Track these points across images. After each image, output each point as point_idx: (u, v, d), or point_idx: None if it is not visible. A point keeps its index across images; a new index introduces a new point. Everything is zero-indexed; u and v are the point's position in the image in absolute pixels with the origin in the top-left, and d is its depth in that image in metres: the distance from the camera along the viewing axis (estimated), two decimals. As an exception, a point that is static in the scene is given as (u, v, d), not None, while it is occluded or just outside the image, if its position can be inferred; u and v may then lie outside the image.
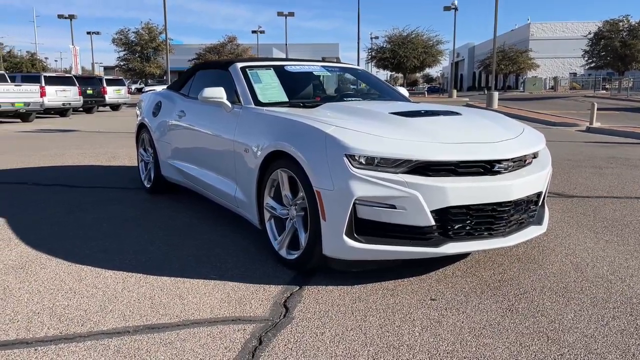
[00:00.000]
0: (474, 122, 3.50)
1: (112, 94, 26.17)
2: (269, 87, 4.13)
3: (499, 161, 3.01)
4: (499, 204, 2.99)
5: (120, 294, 2.87)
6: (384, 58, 48.42)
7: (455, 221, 2.94)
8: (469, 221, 2.97)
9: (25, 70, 52.22)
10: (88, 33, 61.40)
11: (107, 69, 72.42)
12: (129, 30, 33.03)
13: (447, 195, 2.84)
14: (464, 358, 2.23)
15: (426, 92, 59.29)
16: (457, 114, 3.69)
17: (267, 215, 3.45)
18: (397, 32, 48.63)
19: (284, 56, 65.55)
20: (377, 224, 2.90)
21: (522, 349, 2.30)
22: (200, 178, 4.39)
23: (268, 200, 3.41)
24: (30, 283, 3.03)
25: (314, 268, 3.12)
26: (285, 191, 3.25)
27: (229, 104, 3.96)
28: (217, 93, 3.95)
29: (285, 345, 2.33)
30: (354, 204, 2.84)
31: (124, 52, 34.07)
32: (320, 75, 4.58)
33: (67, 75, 23.66)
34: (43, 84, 20.03)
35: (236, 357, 2.23)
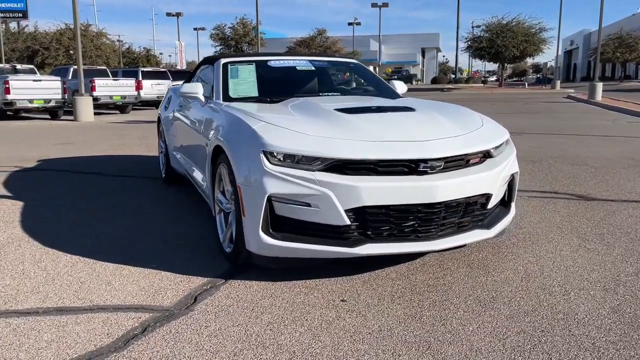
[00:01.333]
0: (420, 119, 3.34)
1: (150, 89, 26.54)
2: (244, 82, 4.21)
3: (425, 160, 2.86)
4: (426, 206, 2.86)
5: (60, 277, 3.10)
6: (480, 48, 46.46)
7: (375, 222, 2.86)
8: (390, 222, 2.87)
9: (141, 65, 56.26)
10: (195, 29, 64.98)
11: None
12: (225, 25, 34.66)
13: (361, 195, 2.76)
14: (321, 362, 2.18)
15: (527, 84, 56.10)
16: (410, 110, 3.55)
17: (217, 208, 3.54)
18: (495, 20, 46.42)
19: (381, 48, 65.13)
20: (295, 222, 2.89)
21: (392, 358, 2.21)
22: (188, 169, 4.59)
23: (217, 194, 3.50)
24: (-6, 263, 3.35)
25: (247, 263, 3.16)
26: (227, 185, 3.32)
27: (202, 98, 4.10)
28: (194, 88, 4.10)
29: (163, 336, 2.40)
30: (270, 200, 2.85)
31: (220, 47, 35.76)
32: (304, 70, 4.57)
33: (162, 70, 25.20)
34: (140, 78, 21.61)
35: (110, 343, 2.34)
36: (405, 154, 2.85)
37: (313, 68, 4.58)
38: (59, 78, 17.25)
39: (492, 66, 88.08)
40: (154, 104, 22.86)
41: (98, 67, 23.37)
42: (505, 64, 50.55)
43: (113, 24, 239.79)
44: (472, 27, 54.80)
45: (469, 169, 3.05)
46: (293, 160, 2.85)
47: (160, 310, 2.66)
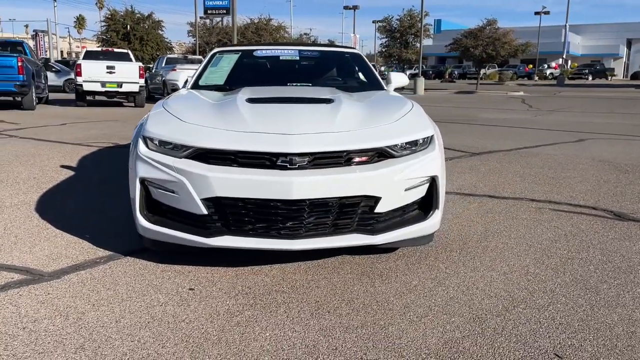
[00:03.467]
0: (322, 113, 3.15)
1: None
2: (219, 71, 4.33)
3: (284, 155, 2.72)
4: (285, 202, 2.72)
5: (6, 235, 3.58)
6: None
7: (234, 214, 2.81)
8: (250, 216, 2.79)
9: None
10: (374, 22, 66.04)
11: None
12: (392, 17, 34.67)
13: (213, 185, 2.74)
14: (96, 346, 2.26)
15: None
16: (328, 102, 3.34)
17: None
18: None
19: (572, 39, 59.26)
20: (166, 207, 2.98)
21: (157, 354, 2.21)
22: None
23: None
24: (-17, 220, 3.97)
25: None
26: None
27: (180, 86, 4.32)
28: (175, 76, 4.35)
29: (11, 296, 2.68)
30: (143, 184, 2.97)
31: (386, 39, 35.90)
32: (287, 60, 4.50)
33: None
34: None
35: (-36, 295, 2.69)
36: (264, 147, 2.75)
37: (297, 58, 4.52)
38: None
39: None
40: None
41: None
42: None
43: (306, 18, 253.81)
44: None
45: (349, 168, 2.81)
46: (166, 146, 2.92)
47: (34, 274, 2.95)
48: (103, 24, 46.54)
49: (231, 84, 4.14)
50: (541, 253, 3.36)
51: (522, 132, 10.19)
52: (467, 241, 3.57)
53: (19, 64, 13.11)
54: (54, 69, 24.72)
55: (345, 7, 55.08)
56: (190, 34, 43.98)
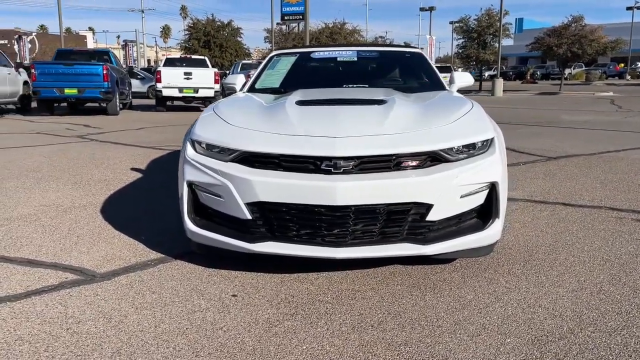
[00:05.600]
0: (373, 114, 2.99)
1: None
2: (276, 74, 4.27)
3: (329, 159, 2.60)
4: (329, 208, 2.60)
5: (48, 232, 3.69)
6: None
7: (279, 220, 2.73)
8: (295, 222, 2.70)
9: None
10: (450, 23, 64.56)
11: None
12: (469, 17, 33.53)
13: (255, 189, 2.67)
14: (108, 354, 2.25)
15: None
16: (381, 103, 3.18)
17: None
18: None
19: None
20: (213, 212, 2.95)
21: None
22: None
23: None
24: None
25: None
26: None
27: (237, 89, 4.30)
28: (233, 80, 4.34)
29: (63, 296, 2.74)
30: (191, 188, 2.96)
31: (462, 40, 34.78)
32: (344, 61, 4.36)
33: None
34: None
35: (18, 294, 2.77)
36: (307, 151, 2.65)
37: (355, 59, 4.37)
38: None
39: None
40: None
41: None
42: None
43: (382, 21, 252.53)
44: None
45: (398, 172, 2.64)
46: (213, 150, 2.89)
47: (87, 275, 3.01)
48: (186, 32, 48.61)
49: (286, 87, 4.07)
50: (618, 269, 3.02)
51: (608, 135, 9.48)
52: (534, 253, 3.29)
53: (104, 72, 13.84)
54: (139, 77, 26.02)
55: (421, 9, 54.24)
56: (267, 40, 44.93)
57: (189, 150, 2.96)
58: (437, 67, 4.50)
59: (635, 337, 2.26)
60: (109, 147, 8.23)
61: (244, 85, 4.27)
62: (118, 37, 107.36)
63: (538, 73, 54.53)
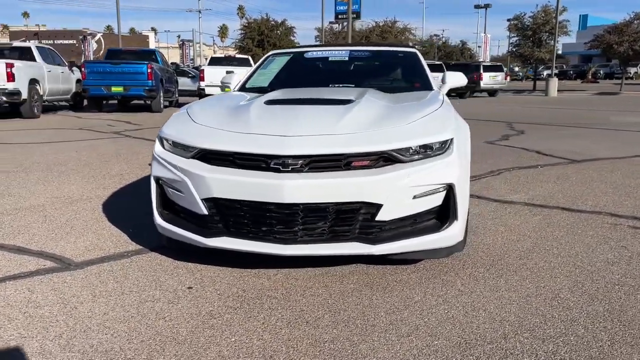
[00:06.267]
0: (332, 114, 3.00)
1: (488, 79, 27.24)
2: (268, 74, 4.34)
3: (277, 157, 2.65)
4: (279, 206, 2.66)
5: (47, 222, 3.91)
6: None
7: (233, 216, 2.81)
8: (248, 219, 2.77)
9: (454, 58, 57.51)
10: (508, 20, 62.79)
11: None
12: (524, 14, 32.40)
13: (209, 185, 2.76)
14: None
15: None
16: (347, 102, 3.19)
17: None
18: None
19: None
20: (178, 207, 3.06)
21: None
22: None
23: None
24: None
25: None
26: None
27: (230, 89, 4.41)
28: (228, 79, 4.45)
29: (35, 282, 2.93)
30: (159, 183, 3.08)
31: (516, 38, 33.72)
32: (335, 61, 4.36)
33: (497, 64, 29.01)
34: (481, 72, 26.67)
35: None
36: (258, 149, 2.71)
37: (347, 59, 4.38)
38: None
39: None
40: (492, 92, 27.72)
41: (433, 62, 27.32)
42: None
43: (438, 19, 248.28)
44: None
45: (347, 172, 2.67)
46: (178, 147, 3.00)
47: (64, 263, 3.18)
48: (240, 32, 49.55)
49: (274, 86, 4.14)
50: (586, 276, 2.92)
51: (649, 138, 9.01)
52: (504, 257, 3.22)
53: (149, 70, 14.38)
54: (189, 75, 26.70)
55: (476, 6, 53.01)
56: (318, 39, 45.14)
57: (157, 147, 3.08)
58: (429, 64, 4.44)
59: (569, 345, 2.19)
60: (139, 143, 8.57)
61: (238, 85, 4.38)
62: (178, 36, 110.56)
63: (601, 72, 52.18)
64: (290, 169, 2.64)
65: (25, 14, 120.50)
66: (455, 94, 25.78)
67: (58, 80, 14.76)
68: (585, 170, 6.02)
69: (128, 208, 4.45)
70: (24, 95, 12.49)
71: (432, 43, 60.77)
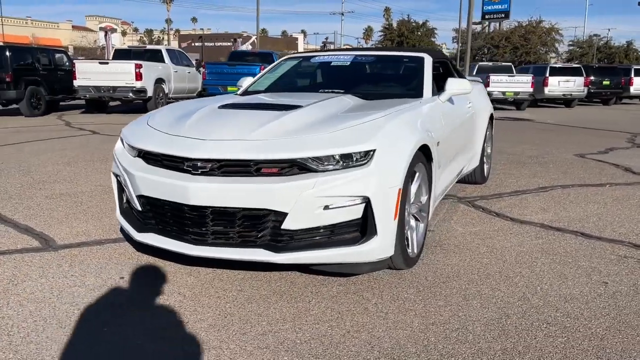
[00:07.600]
0: (264, 120, 2.98)
1: None
2: (272, 77, 4.40)
3: (188, 159, 2.75)
4: (191, 208, 2.76)
5: (63, 207, 4.35)
6: None
7: (159, 214, 2.96)
8: (167, 216, 2.91)
9: (617, 61, 52.37)
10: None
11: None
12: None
13: (138, 184, 2.94)
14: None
15: None
16: (291, 108, 3.14)
17: None
18: None
19: None
20: (127, 201, 3.27)
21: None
22: None
23: None
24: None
25: None
26: None
27: (240, 90, 4.52)
28: (241, 82, 4.60)
29: (18, 260, 3.33)
30: (117, 179, 3.32)
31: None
32: (337, 65, 4.24)
33: (575, 65, 23.74)
34: (547, 75, 21.24)
35: (-11, 252, 3.43)
36: (174, 151, 2.84)
37: (347, 64, 4.26)
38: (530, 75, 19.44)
39: None
40: (561, 101, 22.10)
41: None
42: None
43: (603, 17, 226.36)
44: None
45: (255, 178, 2.67)
46: (126, 146, 3.23)
47: (48, 245, 3.56)
48: (380, 34, 49.78)
49: (268, 90, 4.21)
50: (527, 309, 2.61)
51: None
52: (454, 280, 2.98)
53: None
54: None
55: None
56: (455, 40, 43.78)
57: (117, 145, 3.33)
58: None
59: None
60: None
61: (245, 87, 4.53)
62: (326, 38, 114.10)
63: None
64: (199, 172, 2.71)
65: (194, 19, 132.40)
66: (598, 99, 23.46)
67: (184, 79, 16.11)
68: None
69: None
70: (150, 92, 13.85)
71: (590, 44, 55.84)
